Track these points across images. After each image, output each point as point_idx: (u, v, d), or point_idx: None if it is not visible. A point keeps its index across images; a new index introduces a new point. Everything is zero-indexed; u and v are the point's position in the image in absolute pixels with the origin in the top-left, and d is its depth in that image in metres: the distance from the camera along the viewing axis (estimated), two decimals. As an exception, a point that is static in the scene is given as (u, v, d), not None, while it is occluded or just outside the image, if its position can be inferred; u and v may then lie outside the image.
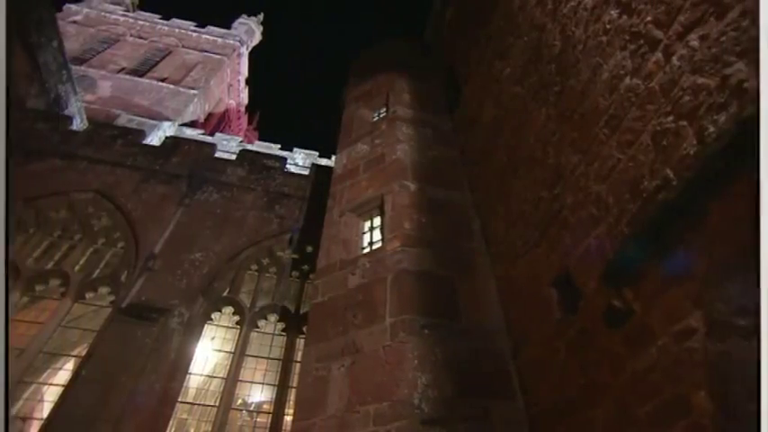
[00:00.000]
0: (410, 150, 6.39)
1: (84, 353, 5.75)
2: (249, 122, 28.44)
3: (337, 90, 10.43)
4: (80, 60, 17.56)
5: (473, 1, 7.35)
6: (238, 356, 5.99)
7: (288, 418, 5.38)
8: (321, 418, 3.66)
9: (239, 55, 22.97)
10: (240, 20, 24.29)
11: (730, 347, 1.96)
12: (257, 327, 6.44)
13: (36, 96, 9.28)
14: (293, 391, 5.43)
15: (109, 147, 8.15)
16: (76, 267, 6.46)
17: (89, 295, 6.22)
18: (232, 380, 5.76)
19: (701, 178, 2.24)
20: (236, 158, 8.81)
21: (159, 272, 6.37)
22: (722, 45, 2.23)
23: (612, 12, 3.34)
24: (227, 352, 6.56)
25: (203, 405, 6.80)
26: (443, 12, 8.90)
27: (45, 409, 6.31)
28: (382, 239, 5.16)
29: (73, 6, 20.88)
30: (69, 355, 7.17)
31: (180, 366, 5.57)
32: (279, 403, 5.61)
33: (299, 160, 14.65)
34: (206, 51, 21.03)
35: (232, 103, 23.92)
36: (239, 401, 7.94)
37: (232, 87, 23.26)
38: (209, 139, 14.38)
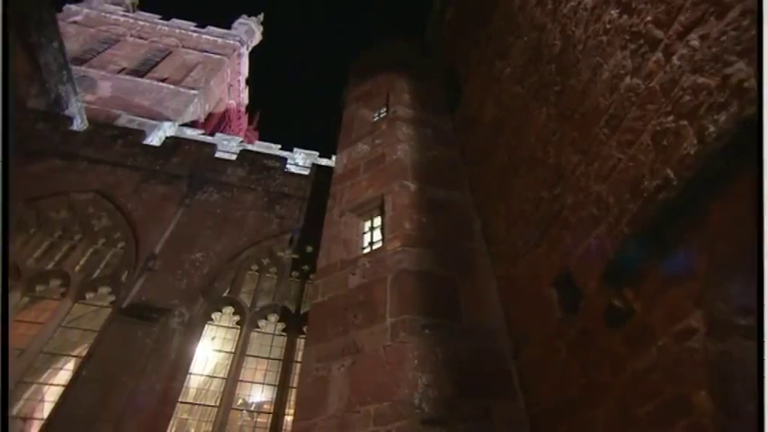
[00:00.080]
0: (410, 150, 6.39)
1: (84, 353, 5.76)
2: (249, 122, 28.44)
3: (337, 90, 10.44)
4: (80, 61, 17.56)
5: (473, 1, 7.35)
6: (239, 356, 6.00)
7: (288, 419, 5.39)
8: (321, 418, 3.66)
9: (239, 55, 22.97)
10: (240, 20, 24.30)
11: (731, 347, 1.96)
12: (258, 327, 6.45)
13: (36, 97, 9.28)
14: (293, 391, 5.44)
15: (109, 147, 8.15)
16: (77, 267, 6.47)
17: (89, 295, 6.24)
18: (232, 380, 5.77)
19: (702, 178, 2.23)
20: (237, 158, 8.81)
21: (159, 272, 6.37)
22: (722, 45, 2.23)
23: (612, 11, 3.33)
24: (227, 352, 6.56)
25: (204, 405, 6.80)
26: (443, 12, 8.89)
27: (45, 410, 6.31)
28: (382, 239, 5.16)
29: (73, 7, 20.88)
30: (70, 356, 7.18)
31: (180, 366, 5.58)
32: (279, 403, 5.62)
33: (300, 160, 14.65)
34: (206, 51, 21.04)
35: (232, 103, 23.93)
36: (240, 401, 7.94)
37: (232, 87, 23.27)
38: (209, 139, 14.39)
